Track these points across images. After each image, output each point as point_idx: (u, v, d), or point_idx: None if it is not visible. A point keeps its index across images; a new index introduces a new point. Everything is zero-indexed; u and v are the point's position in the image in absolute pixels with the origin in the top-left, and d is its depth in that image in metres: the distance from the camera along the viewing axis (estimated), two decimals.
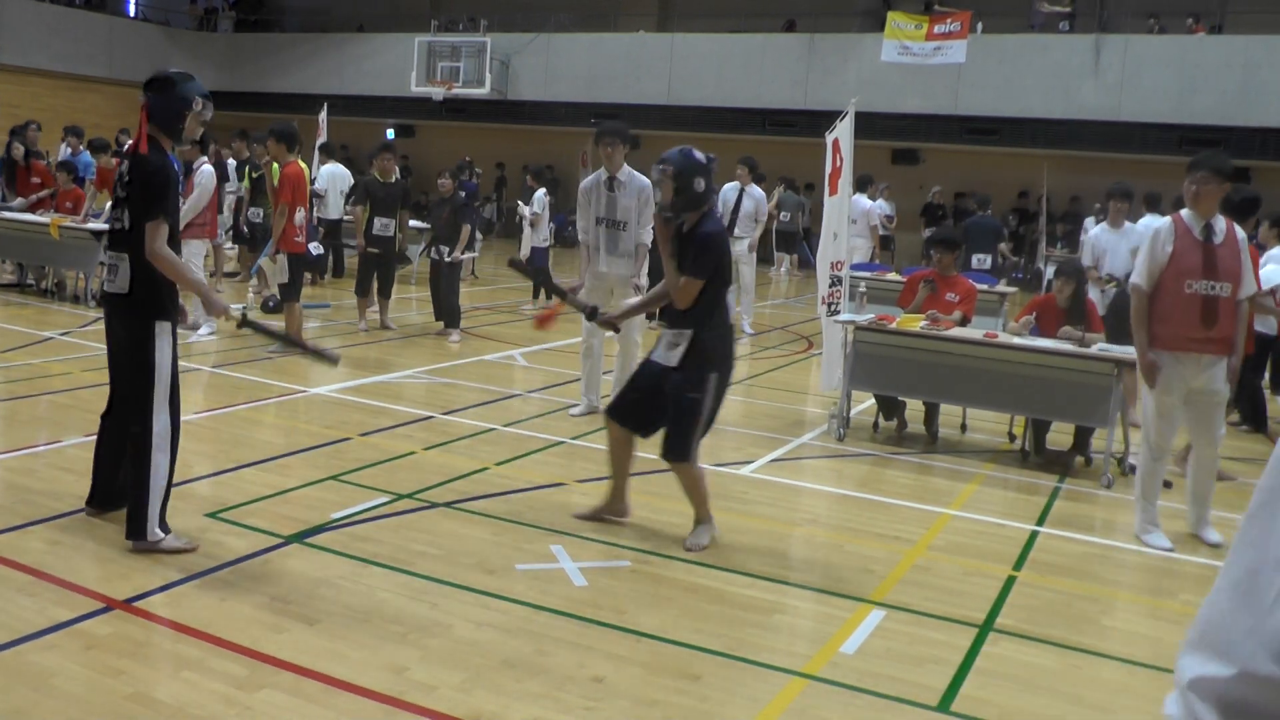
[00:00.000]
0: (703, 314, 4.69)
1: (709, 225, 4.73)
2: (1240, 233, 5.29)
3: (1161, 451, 5.39)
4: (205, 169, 9.85)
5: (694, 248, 4.64)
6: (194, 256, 9.86)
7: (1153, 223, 9.90)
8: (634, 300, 5.36)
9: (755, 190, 11.62)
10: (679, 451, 4.76)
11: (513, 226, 24.72)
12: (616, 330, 5.54)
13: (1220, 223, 5.25)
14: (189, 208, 9.76)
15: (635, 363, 7.22)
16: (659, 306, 5.12)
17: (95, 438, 4.70)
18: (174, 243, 4.42)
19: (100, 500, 4.67)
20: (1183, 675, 0.98)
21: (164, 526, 4.35)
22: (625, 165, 7.18)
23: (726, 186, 11.43)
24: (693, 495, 4.90)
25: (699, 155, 4.69)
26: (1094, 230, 8.34)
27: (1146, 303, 5.25)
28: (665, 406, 4.82)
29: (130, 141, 4.59)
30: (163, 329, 4.43)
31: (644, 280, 7.18)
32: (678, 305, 4.72)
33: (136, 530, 4.30)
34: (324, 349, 5.19)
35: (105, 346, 4.69)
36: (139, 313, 4.43)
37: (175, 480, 4.51)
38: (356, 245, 10.80)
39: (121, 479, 4.53)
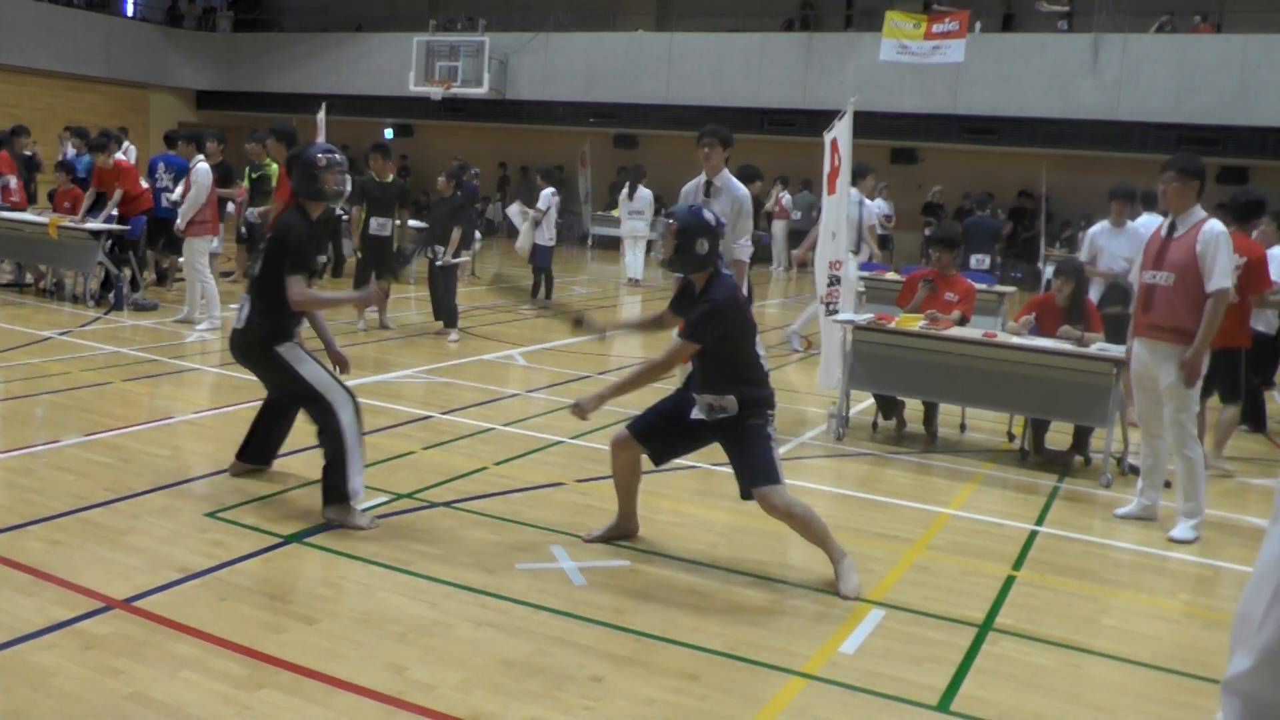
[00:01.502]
0: (736, 376, 4.47)
1: (719, 291, 4.46)
2: (1212, 232, 5.34)
3: (1140, 426, 5.79)
4: (201, 167, 9.86)
5: (699, 312, 4.42)
6: (198, 255, 9.87)
7: (1151, 221, 9.96)
8: (610, 388, 4.71)
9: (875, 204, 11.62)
10: (768, 472, 4.44)
11: (512, 227, 24.75)
12: (602, 335, 5.06)
13: (1189, 220, 5.42)
14: (188, 205, 9.77)
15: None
16: (645, 331, 4.90)
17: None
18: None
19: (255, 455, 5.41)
20: (1225, 676, 0.99)
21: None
22: (724, 170, 7.03)
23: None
24: (809, 534, 4.53)
25: (708, 216, 4.50)
26: (1094, 228, 8.41)
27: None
28: (686, 447, 4.75)
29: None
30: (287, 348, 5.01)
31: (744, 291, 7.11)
32: (665, 369, 4.53)
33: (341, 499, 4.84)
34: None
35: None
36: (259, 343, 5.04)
37: (174, 481, 4.52)
38: (352, 245, 10.82)
39: (276, 443, 5.42)
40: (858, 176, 12.37)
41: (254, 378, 5.30)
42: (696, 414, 4.57)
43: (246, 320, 4.99)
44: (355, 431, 4.86)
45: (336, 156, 4.97)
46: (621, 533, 4.93)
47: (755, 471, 4.46)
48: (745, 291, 6.98)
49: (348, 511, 4.81)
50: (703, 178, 7.09)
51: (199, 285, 9.94)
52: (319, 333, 5.34)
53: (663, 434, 4.70)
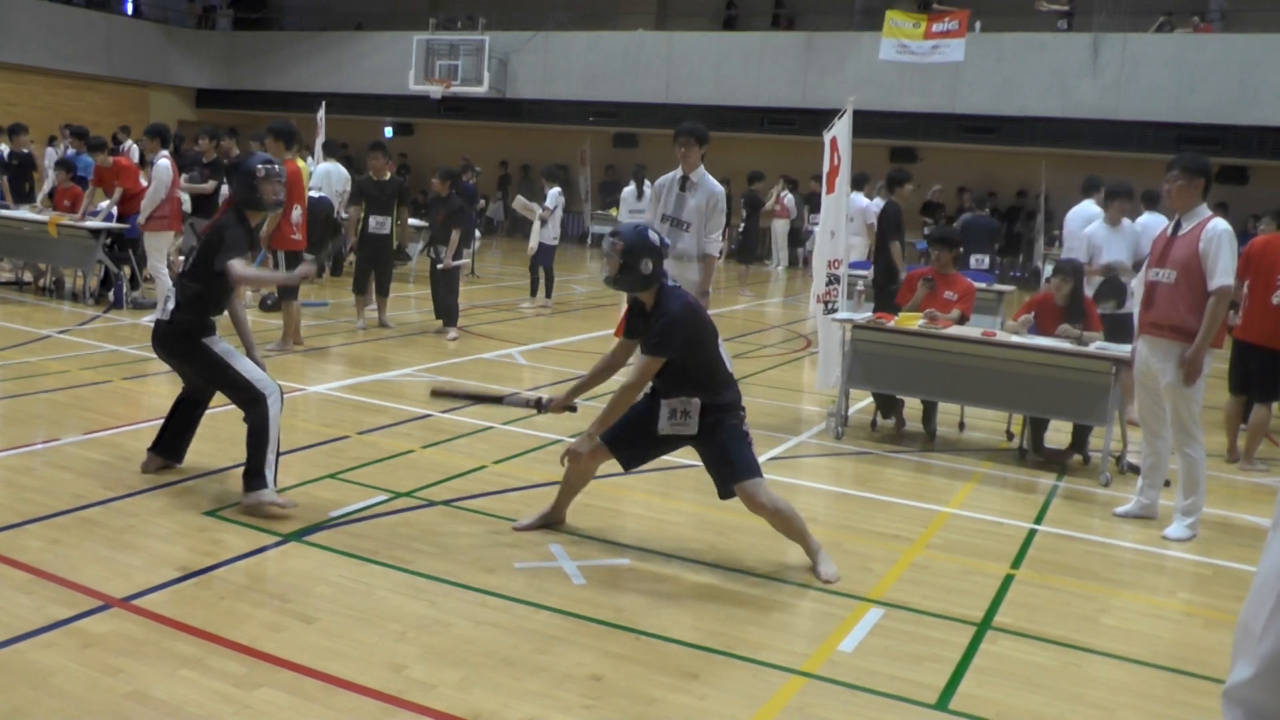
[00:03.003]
0: (704, 379, 4.55)
1: (673, 304, 4.52)
2: (1215, 229, 5.35)
3: (1141, 424, 5.80)
4: (161, 163, 9.89)
5: (657, 328, 4.47)
6: (158, 249, 9.91)
7: (1151, 220, 9.93)
8: (581, 379, 4.88)
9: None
10: (747, 467, 4.52)
11: (514, 225, 24.81)
12: (572, 409, 4.99)
13: (1194, 218, 5.44)
14: (147, 201, 9.80)
15: None
16: (603, 380, 4.84)
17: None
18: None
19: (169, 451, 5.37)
20: (1226, 685, 0.99)
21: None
22: (700, 167, 7.18)
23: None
24: (790, 530, 4.63)
25: (653, 237, 4.59)
26: (1092, 226, 8.39)
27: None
28: (657, 453, 4.80)
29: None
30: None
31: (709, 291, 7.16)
32: (638, 388, 4.56)
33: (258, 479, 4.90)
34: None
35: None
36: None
37: (173, 479, 4.53)
38: (350, 244, 10.83)
39: (187, 440, 5.41)
40: (859, 184, 12.38)
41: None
42: (661, 425, 4.60)
43: (171, 313, 5.11)
44: (278, 420, 4.99)
45: (275, 168, 5.21)
46: (551, 521, 4.98)
47: (736, 467, 4.53)
48: (710, 289, 7.10)
49: (261, 497, 4.86)
50: (678, 172, 7.22)
51: (165, 278, 10.02)
52: (241, 336, 5.40)
53: (632, 442, 4.75)
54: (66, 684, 3.22)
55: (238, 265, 5.00)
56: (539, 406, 4.91)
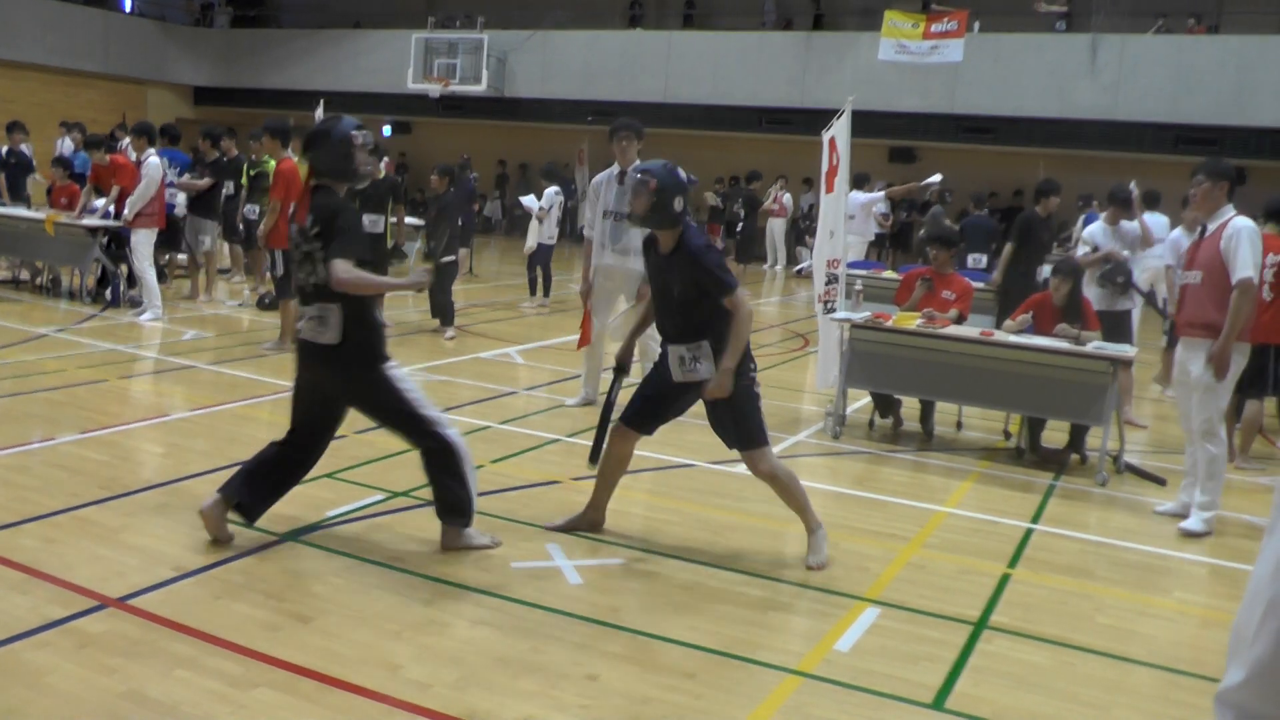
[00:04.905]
0: (716, 321, 4.49)
1: (699, 238, 4.53)
2: (1235, 226, 5.43)
3: (1184, 426, 5.83)
4: (151, 160, 9.91)
5: (711, 262, 4.43)
6: (143, 245, 9.92)
7: (1151, 220, 9.97)
8: (632, 328, 4.97)
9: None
10: (754, 435, 4.54)
11: (512, 224, 24.79)
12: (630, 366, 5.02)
13: (1218, 219, 5.53)
14: (137, 197, 9.81)
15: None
16: (648, 326, 4.93)
17: (265, 451, 4.55)
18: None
19: (240, 504, 4.44)
20: (1219, 688, 0.98)
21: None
22: (637, 160, 7.21)
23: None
24: (791, 499, 4.66)
25: (683, 174, 4.57)
26: (1091, 227, 8.52)
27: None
28: (675, 407, 4.76)
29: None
30: (388, 367, 4.42)
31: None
32: (748, 321, 4.44)
33: (461, 512, 4.54)
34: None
35: (297, 386, 4.59)
36: (359, 361, 4.39)
37: (170, 478, 4.52)
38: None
39: (272, 503, 4.53)
40: (859, 184, 12.38)
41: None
42: (675, 373, 4.58)
43: (343, 336, 4.33)
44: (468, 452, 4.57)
45: (368, 134, 4.53)
46: (587, 524, 4.93)
47: (744, 434, 4.55)
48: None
49: (470, 533, 4.62)
50: (615, 168, 7.29)
51: (149, 275, 10.03)
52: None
53: (651, 412, 4.77)
54: (62, 684, 3.22)
55: (342, 267, 4.22)
56: (621, 372, 4.90)
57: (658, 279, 4.66)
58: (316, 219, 4.32)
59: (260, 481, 4.48)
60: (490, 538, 4.68)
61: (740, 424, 4.56)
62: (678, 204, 4.50)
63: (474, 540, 4.61)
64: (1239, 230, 5.42)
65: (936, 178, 11.84)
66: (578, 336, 7.61)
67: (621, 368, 4.92)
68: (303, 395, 4.56)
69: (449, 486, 4.51)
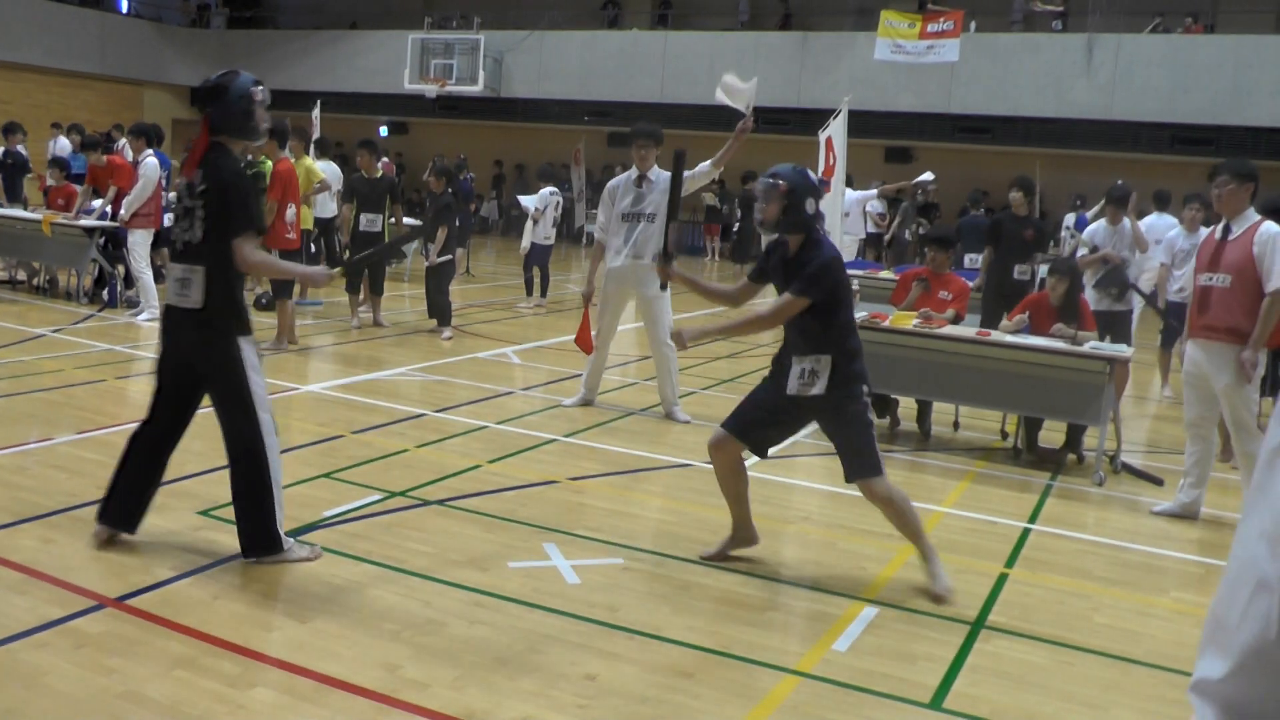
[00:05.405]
0: (839, 337, 4.38)
1: (827, 249, 4.42)
2: (1269, 233, 5.40)
3: (1187, 426, 5.84)
4: (149, 161, 9.90)
5: (811, 268, 4.32)
6: (139, 245, 9.92)
7: (1158, 221, 9.96)
8: (706, 283, 4.84)
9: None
10: (869, 464, 4.37)
11: (508, 224, 24.78)
12: (664, 287, 5.00)
13: (1244, 222, 5.50)
14: (134, 197, 9.81)
15: (672, 365, 7.26)
16: (717, 303, 4.90)
17: (123, 452, 4.40)
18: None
19: (118, 519, 4.35)
20: (1194, 679, 0.97)
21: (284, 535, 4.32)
22: (655, 166, 7.28)
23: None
24: (904, 524, 4.45)
25: (814, 175, 4.48)
26: (1091, 227, 8.55)
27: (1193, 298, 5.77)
28: (784, 425, 4.63)
29: (186, 155, 4.50)
30: (246, 343, 4.28)
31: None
32: (770, 324, 4.44)
33: (268, 545, 4.24)
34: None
35: (160, 355, 4.42)
36: (219, 329, 4.25)
37: (167, 479, 4.51)
38: (343, 242, 10.84)
39: (147, 500, 4.40)
40: (847, 184, 12.37)
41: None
42: (790, 385, 4.42)
43: (205, 301, 4.19)
44: (279, 466, 4.34)
45: (266, 91, 4.40)
46: (740, 543, 4.72)
47: (859, 462, 4.40)
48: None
49: (287, 551, 4.32)
50: (634, 172, 7.27)
51: (146, 275, 10.03)
52: None
53: (759, 423, 4.57)
54: (60, 684, 3.21)
55: (248, 249, 4.16)
56: (668, 258, 4.81)
57: (782, 283, 4.49)
58: (206, 177, 4.19)
59: (125, 489, 4.36)
60: (310, 549, 4.38)
61: (858, 451, 4.39)
62: (810, 205, 4.41)
63: (292, 555, 4.30)
64: (1274, 237, 5.36)
65: (928, 175, 11.86)
66: (574, 336, 7.60)
67: (668, 267, 4.79)
68: (164, 367, 4.42)
69: (251, 515, 4.25)
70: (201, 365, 4.31)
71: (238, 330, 4.26)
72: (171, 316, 4.33)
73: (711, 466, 4.73)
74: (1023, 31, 20.19)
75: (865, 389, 4.44)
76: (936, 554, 4.49)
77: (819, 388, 4.37)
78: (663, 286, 5.04)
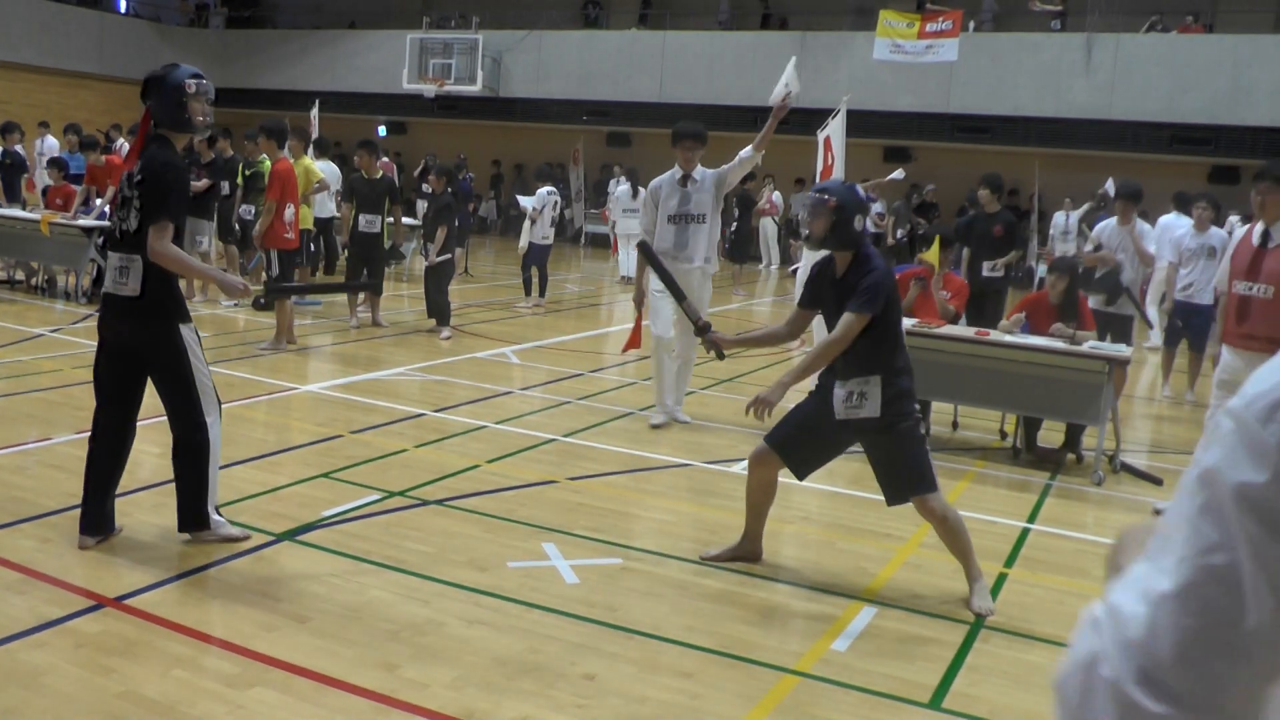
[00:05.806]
0: (889, 355, 4.32)
1: (877, 262, 4.35)
2: None
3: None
4: None
5: (866, 284, 4.25)
6: None
7: (1172, 222, 9.89)
8: (753, 333, 4.84)
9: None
10: (923, 480, 4.27)
11: (507, 224, 24.78)
12: (721, 356, 4.87)
13: None
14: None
15: (686, 373, 7.22)
16: (773, 345, 4.79)
17: (86, 461, 4.43)
18: (179, 239, 4.35)
19: (97, 527, 4.35)
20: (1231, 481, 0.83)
21: (217, 512, 4.46)
22: (700, 165, 7.17)
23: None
24: (955, 543, 4.36)
25: (862, 192, 4.42)
26: (1101, 224, 8.49)
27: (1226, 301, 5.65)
28: (829, 448, 4.57)
29: (129, 146, 4.58)
30: (187, 330, 4.35)
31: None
32: (840, 349, 4.30)
33: (197, 522, 4.38)
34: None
35: (99, 344, 4.50)
36: (159, 316, 4.32)
37: (165, 479, 4.51)
38: (342, 242, 10.84)
39: (113, 496, 4.44)
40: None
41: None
42: (837, 409, 4.37)
43: (143, 289, 4.27)
44: (218, 449, 4.44)
45: (207, 85, 4.46)
46: (744, 554, 4.69)
47: (914, 480, 4.29)
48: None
49: (217, 527, 4.44)
50: (676, 172, 7.13)
51: None
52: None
53: (803, 444, 4.50)
54: (58, 684, 3.21)
55: (159, 238, 4.18)
56: (703, 330, 4.74)
57: (833, 305, 4.41)
58: (144, 168, 4.26)
59: (97, 496, 4.38)
60: (239, 530, 4.50)
61: (912, 468, 4.31)
62: (858, 223, 4.35)
63: (221, 531, 4.44)
64: None
65: (899, 174, 11.80)
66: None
67: (704, 329, 4.74)
68: (103, 355, 4.49)
69: (191, 491, 4.36)
70: (144, 351, 4.39)
71: (177, 317, 4.33)
72: (110, 305, 4.39)
73: (746, 475, 4.70)
74: (1022, 31, 20.19)
75: (916, 408, 4.41)
76: (983, 577, 4.44)
77: (870, 409, 4.29)
78: (719, 356, 4.91)
